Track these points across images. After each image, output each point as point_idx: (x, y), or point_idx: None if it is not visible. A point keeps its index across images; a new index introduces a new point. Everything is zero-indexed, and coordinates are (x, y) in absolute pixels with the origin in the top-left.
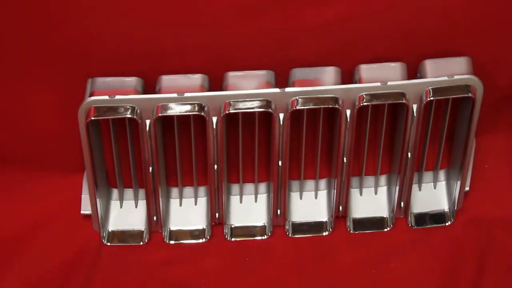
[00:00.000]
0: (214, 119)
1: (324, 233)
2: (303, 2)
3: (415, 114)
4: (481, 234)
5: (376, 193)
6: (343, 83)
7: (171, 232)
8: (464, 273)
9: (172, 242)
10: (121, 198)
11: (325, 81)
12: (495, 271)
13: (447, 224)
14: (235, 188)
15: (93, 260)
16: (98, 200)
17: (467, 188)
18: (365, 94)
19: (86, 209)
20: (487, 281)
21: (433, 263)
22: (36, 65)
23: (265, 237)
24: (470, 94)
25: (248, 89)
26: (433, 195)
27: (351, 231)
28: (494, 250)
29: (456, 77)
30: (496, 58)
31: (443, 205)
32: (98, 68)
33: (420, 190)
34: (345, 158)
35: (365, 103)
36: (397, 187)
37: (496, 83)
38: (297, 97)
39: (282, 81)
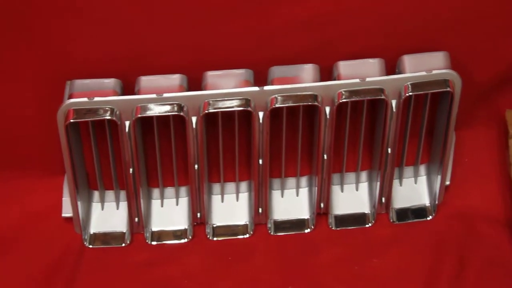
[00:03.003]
0: (194, 119)
1: (306, 231)
2: (281, 0)
3: (394, 110)
4: (463, 227)
5: (357, 189)
6: (322, 80)
7: (153, 233)
8: (446, 267)
9: (154, 243)
10: (102, 200)
11: (304, 79)
12: (477, 265)
13: (428, 218)
14: (216, 187)
15: (76, 262)
16: (79, 203)
17: (447, 182)
18: (344, 91)
19: (67, 212)
20: (469, 275)
21: (415, 258)
22: (15, 68)
23: (247, 235)
24: (448, 89)
25: (227, 88)
26: (414, 190)
27: (333, 228)
28: (475, 244)
29: (434, 72)
30: (474, 52)
31: (424, 200)
32: (76, 71)
33: (401, 185)
34: (325, 155)
35: (344, 100)
36: (378, 183)
37: (475, 77)
38: (276, 95)
39: (261, 79)
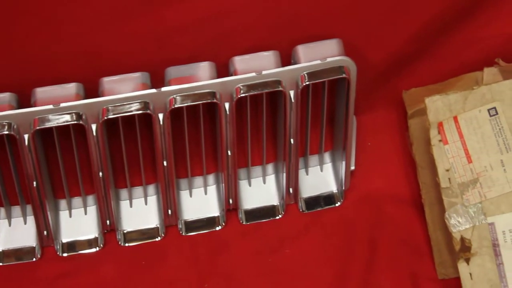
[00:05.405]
0: (94, 126)
1: (217, 228)
2: (171, 1)
3: (293, 100)
4: (371, 210)
5: (264, 182)
6: (219, 77)
7: (63, 244)
8: (358, 251)
9: (65, 254)
10: (8, 216)
11: (201, 77)
12: (387, 245)
13: (337, 204)
14: (123, 193)
15: None
16: None
17: (352, 167)
18: (242, 86)
19: None
20: (380, 256)
21: (328, 245)
22: None
23: (159, 238)
24: (344, 75)
25: (124, 93)
26: (320, 178)
27: (244, 223)
28: (384, 225)
29: (328, 59)
30: (366, 37)
31: (331, 187)
32: None
33: (307, 174)
34: (229, 151)
35: (243, 95)
36: (284, 174)
37: (369, 62)
38: (174, 96)
39: (158, 81)
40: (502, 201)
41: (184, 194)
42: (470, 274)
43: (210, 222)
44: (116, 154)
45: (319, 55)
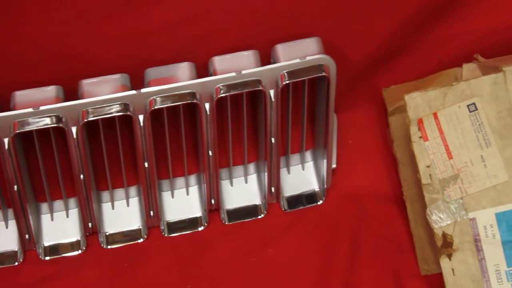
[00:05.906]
0: (74, 129)
1: (200, 228)
2: (150, 1)
3: (273, 99)
4: (353, 208)
5: (246, 181)
6: (199, 77)
7: (45, 248)
8: (341, 249)
9: (47, 258)
10: None
11: (181, 78)
12: (370, 243)
13: (319, 203)
14: (105, 195)
15: None
16: None
17: (334, 166)
18: (222, 86)
19: None
20: (363, 253)
21: (310, 243)
22: None
23: (141, 240)
24: (323, 73)
25: (104, 95)
26: (302, 176)
27: (226, 223)
28: (367, 222)
29: (308, 58)
30: (345, 35)
31: (313, 185)
32: None
33: (289, 173)
34: (210, 151)
35: (223, 95)
36: (266, 173)
37: (349, 59)
38: (154, 97)
39: (138, 82)
40: (483, 197)
41: (166, 195)
42: (453, 269)
43: (192, 222)
44: (97, 157)
45: (299, 53)
